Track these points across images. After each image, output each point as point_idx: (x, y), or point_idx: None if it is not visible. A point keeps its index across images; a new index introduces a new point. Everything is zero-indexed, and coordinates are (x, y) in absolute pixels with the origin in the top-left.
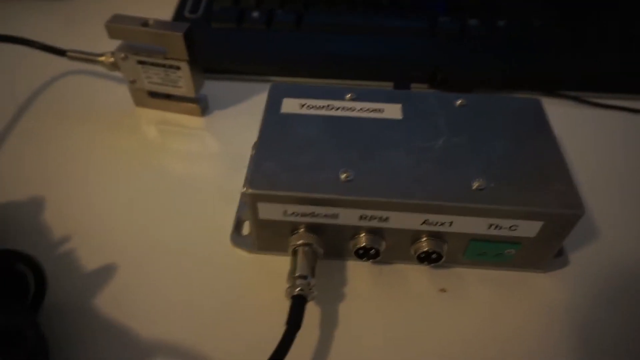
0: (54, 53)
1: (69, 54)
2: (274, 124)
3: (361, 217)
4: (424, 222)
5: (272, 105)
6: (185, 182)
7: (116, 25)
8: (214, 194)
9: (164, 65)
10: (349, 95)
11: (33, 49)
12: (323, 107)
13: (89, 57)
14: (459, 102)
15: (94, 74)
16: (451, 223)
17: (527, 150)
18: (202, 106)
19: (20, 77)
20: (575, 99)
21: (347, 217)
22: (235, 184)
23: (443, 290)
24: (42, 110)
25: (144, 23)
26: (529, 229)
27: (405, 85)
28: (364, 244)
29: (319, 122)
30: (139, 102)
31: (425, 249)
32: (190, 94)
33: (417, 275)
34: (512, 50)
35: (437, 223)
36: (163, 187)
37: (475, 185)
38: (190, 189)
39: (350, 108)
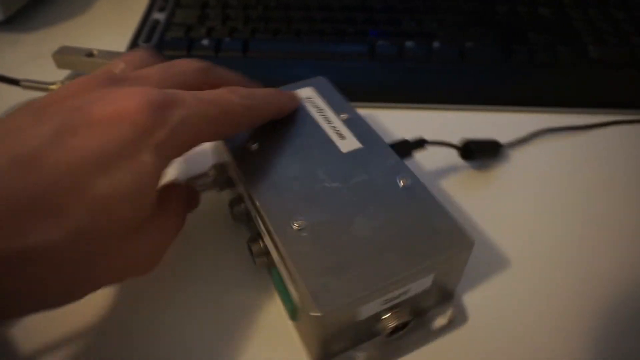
0: (9, 83)
1: (22, 83)
2: None
3: None
4: None
5: None
6: None
7: (62, 56)
8: None
9: None
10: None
11: None
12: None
13: (41, 86)
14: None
15: None
16: None
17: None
18: None
19: None
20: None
21: None
22: None
23: None
24: None
25: (89, 54)
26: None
27: None
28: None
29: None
30: None
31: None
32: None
33: None
34: (446, 69)
35: None
36: None
37: None
38: None
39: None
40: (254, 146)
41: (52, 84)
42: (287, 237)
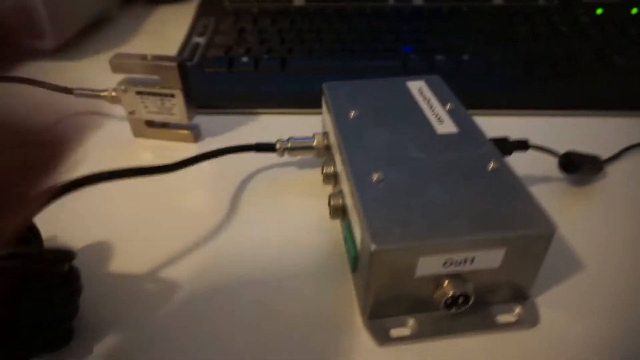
0: (62, 92)
1: (75, 91)
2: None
3: None
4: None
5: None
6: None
7: (118, 60)
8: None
9: (159, 94)
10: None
11: (43, 89)
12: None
13: (93, 93)
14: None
15: (97, 112)
16: None
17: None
18: (195, 134)
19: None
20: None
21: None
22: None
23: None
24: None
25: (143, 57)
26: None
27: None
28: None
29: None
30: (137, 133)
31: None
32: (184, 120)
33: None
34: (475, 79)
35: None
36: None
37: None
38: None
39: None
40: (354, 113)
41: (104, 90)
42: (364, 184)
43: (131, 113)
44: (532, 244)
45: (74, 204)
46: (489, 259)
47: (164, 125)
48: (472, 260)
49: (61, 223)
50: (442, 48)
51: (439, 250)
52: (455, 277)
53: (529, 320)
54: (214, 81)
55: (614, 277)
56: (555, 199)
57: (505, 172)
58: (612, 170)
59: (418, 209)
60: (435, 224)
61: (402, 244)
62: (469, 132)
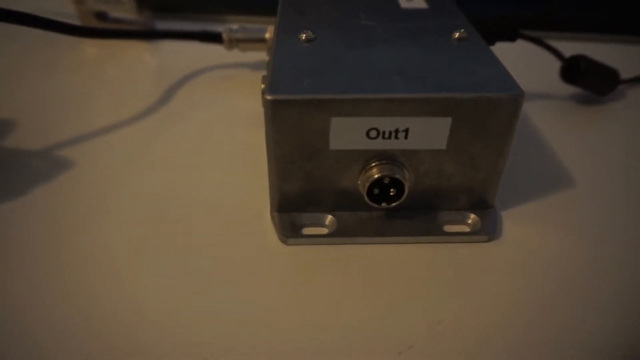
0: None
1: None
2: None
3: None
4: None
5: None
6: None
7: None
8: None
9: None
10: None
11: None
12: None
13: None
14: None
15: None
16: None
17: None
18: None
19: None
20: None
21: None
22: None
23: None
24: None
25: None
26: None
27: None
28: None
29: None
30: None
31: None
32: (133, 12)
33: None
34: None
35: None
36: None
37: None
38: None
39: None
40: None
41: None
42: (287, 41)
43: (79, 2)
44: (490, 115)
45: None
46: (431, 134)
47: (117, 21)
48: (407, 134)
49: None
50: None
51: (356, 110)
52: (386, 159)
53: (486, 231)
54: None
55: (605, 201)
56: (555, 114)
57: (475, 42)
58: (631, 93)
59: (345, 66)
60: (359, 79)
61: (305, 95)
62: (440, 8)
